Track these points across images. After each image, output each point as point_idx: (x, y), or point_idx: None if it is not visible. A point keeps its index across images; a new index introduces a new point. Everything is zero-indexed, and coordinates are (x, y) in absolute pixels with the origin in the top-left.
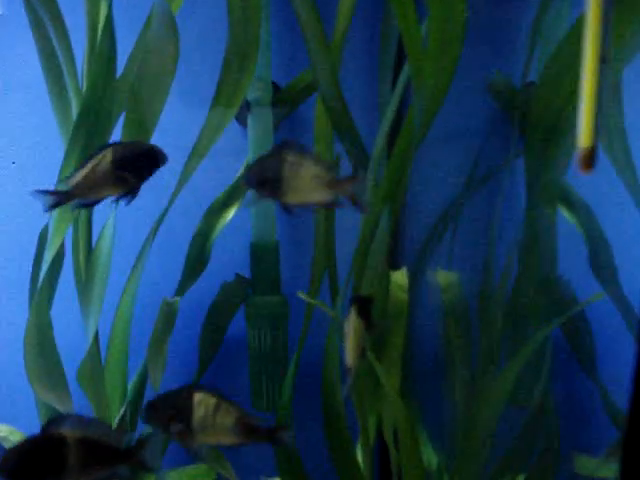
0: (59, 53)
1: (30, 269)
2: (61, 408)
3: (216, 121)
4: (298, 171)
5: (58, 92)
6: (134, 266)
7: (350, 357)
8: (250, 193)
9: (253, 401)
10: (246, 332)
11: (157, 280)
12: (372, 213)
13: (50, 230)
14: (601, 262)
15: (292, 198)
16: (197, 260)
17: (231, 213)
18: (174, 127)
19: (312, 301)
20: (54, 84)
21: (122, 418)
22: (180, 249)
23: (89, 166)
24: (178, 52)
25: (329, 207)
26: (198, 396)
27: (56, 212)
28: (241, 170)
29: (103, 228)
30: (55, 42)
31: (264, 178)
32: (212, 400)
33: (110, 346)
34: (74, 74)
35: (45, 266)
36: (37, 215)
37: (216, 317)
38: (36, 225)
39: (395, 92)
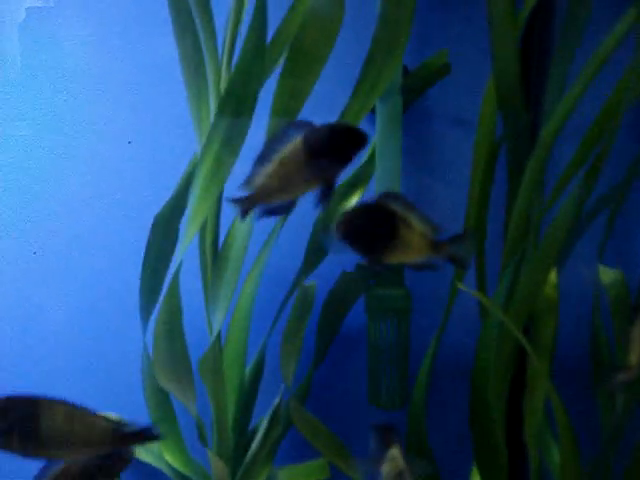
0: (198, 27)
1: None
2: (183, 400)
3: (358, 105)
4: (403, 229)
5: (194, 73)
6: (258, 255)
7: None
8: (336, 242)
9: (369, 397)
10: (366, 325)
11: (277, 268)
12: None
13: (188, 216)
14: None
15: (388, 257)
16: (318, 247)
17: (355, 198)
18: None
19: (479, 295)
20: (189, 64)
21: (238, 406)
22: (302, 236)
23: (276, 161)
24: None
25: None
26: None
27: (198, 190)
28: (368, 153)
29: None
30: (195, 14)
31: (362, 230)
32: (62, 408)
33: (229, 337)
34: (214, 52)
35: (181, 250)
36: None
37: (334, 307)
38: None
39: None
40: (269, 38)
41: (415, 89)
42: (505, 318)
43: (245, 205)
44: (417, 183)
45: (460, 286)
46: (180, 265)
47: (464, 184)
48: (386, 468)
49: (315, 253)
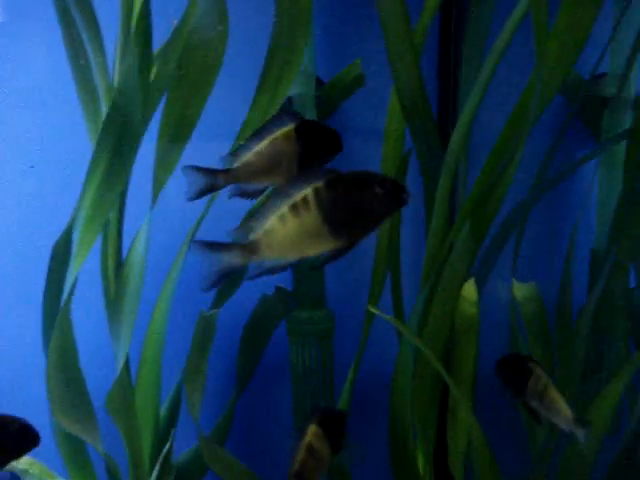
0: (88, 46)
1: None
2: (88, 439)
3: (257, 119)
4: None
5: (86, 89)
6: (167, 279)
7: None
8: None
9: (295, 423)
10: (288, 349)
11: (191, 294)
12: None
13: (76, 240)
14: None
15: None
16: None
17: None
18: (212, 124)
19: (379, 313)
20: (82, 81)
21: (154, 445)
22: None
23: (265, 141)
24: (227, 36)
25: None
26: None
27: (83, 219)
28: None
29: (135, 238)
30: (84, 34)
31: None
32: None
33: (141, 368)
34: (104, 69)
35: (70, 280)
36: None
37: (255, 333)
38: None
39: (478, 82)
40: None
41: (330, 102)
42: (419, 342)
43: (218, 181)
44: None
45: (372, 309)
46: (69, 298)
47: None
48: None
49: (231, 279)
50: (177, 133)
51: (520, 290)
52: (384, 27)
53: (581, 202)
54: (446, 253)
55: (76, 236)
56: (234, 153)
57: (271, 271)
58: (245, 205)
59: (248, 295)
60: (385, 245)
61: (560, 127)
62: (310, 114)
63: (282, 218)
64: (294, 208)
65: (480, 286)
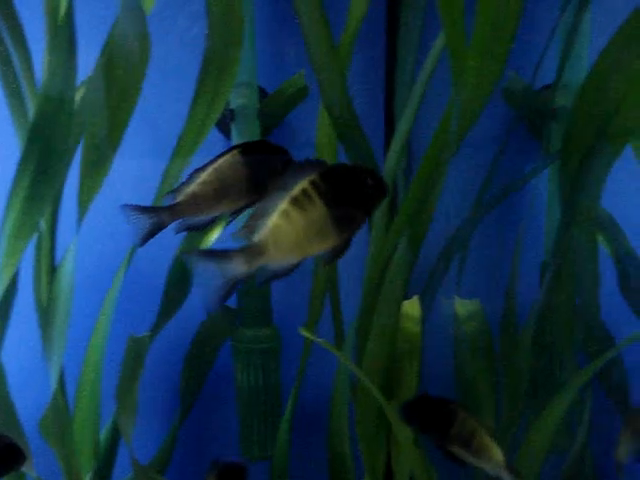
0: (15, 57)
1: None
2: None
3: (193, 133)
4: None
5: (15, 100)
6: (105, 300)
7: None
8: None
9: (243, 448)
10: (234, 370)
11: (132, 315)
12: (388, 239)
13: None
14: (635, 291)
15: None
16: (177, 289)
17: (214, 235)
18: (146, 139)
19: (313, 337)
20: (9, 90)
21: (95, 472)
22: (157, 278)
23: (209, 170)
24: (148, 55)
25: None
26: None
27: (6, 238)
28: None
29: (65, 254)
30: (10, 45)
31: None
32: None
33: (79, 392)
34: (31, 80)
35: None
36: None
37: (199, 353)
38: None
39: (412, 99)
40: None
41: (273, 115)
42: (355, 368)
43: (168, 216)
44: None
45: (304, 332)
46: None
47: None
48: None
49: (173, 297)
50: (100, 150)
51: (462, 307)
52: (305, 39)
53: (531, 215)
54: (384, 270)
55: (2, 247)
56: (176, 189)
57: (278, 275)
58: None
59: (192, 313)
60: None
61: (505, 140)
62: (253, 126)
63: (286, 214)
64: (297, 202)
65: (429, 303)
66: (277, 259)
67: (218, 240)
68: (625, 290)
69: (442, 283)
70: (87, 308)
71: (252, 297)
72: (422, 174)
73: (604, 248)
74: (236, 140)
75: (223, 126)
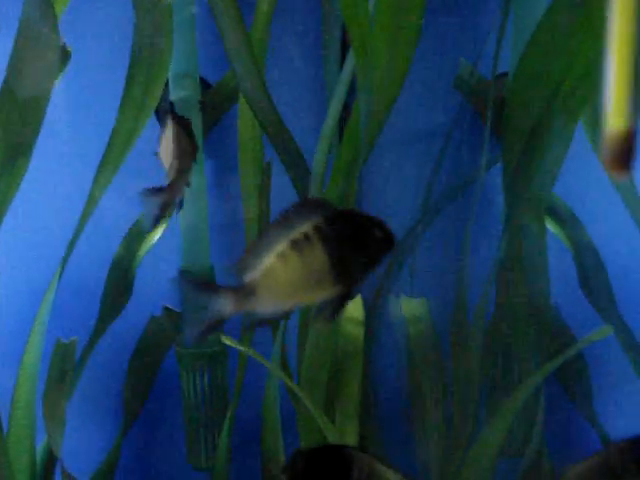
0: None
1: None
2: None
3: (125, 129)
4: None
5: None
6: (40, 307)
7: None
8: None
9: (189, 458)
10: (179, 376)
11: (70, 321)
12: None
13: None
14: (594, 284)
15: None
16: (117, 293)
17: (156, 235)
18: (74, 137)
19: (238, 346)
20: None
21: None
22: (96, 281)
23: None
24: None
25: None
26: None
27: None
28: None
29: None
30: None
31: None
32: None
33: (13, 407)
34: None
35: None
36: None
37: (143, 359)
38: None
39: (338, 87)
40: None
41: (216, 108)
42: (285, 377)
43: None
44: (224, 205)
45: (225, 340)
46: None
47: None
48: None
49: (113, 300)
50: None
51: (409, 306)
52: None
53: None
54: None
55: None
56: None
57: (264, 321)
58: (126, 217)
59: (135, 319)
60: None
61: (450, 132)
62: (194, 120)
63: (283, 256)
64: (296, 245)
65: (377, 306)
66: (268, 304)
67: (161, 238)
68: (585, 286)
69: (395, 283)
70: (23, 320)
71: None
72: (337, 174)
73: (563, 242)
74: None
75: (164, 120)
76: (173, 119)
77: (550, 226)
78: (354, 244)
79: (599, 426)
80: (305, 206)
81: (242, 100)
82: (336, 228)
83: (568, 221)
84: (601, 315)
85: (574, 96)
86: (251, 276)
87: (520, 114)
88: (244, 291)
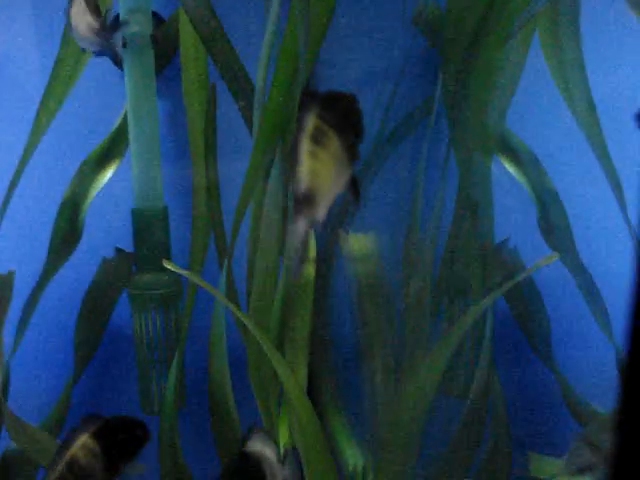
0: None
1: None
2: None
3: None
4: None
5: None
6: None
7: None
8: None
9: (142, 403)
10: (132, 320)
11: (17, 264)
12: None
13: None
14: (553, 224)
15: None
16: (67, 234)
17: (107, 174)
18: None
19: (192, 276)
20: None
21: None
22: (45, 221)
23: None
24: None
25: None
26: None
27: None
28: (118, 120)
29: None
30: None
31: None
32: None
33: None
34: None
35: None
36: None
37: (95, 302)
38: None
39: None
40: None
41: (168, 42)
42: (234, 308)
43: None
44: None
45: (167, 264)
46: None
47: None
48: None
49: (62, 242)
50: None
51: (357, 243)
52: None
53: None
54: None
55: None
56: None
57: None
58: (75, 154)
59: (87, 259)
60: (202, 193)
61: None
62: (147, 55)
63: (313, 154)
64: (316, 140)
65: (331, 243)
66: (325, 204)
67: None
68: (547, 233)
69: (345, 219)
70: None
71: (149, 239)
72: (275, 93)
73: (524, 186)
74: (128, 69)
75: (114, 55)
76: None
77: (511, 168)
78: (346, 122)
79: (556, 370)
80: (303, 99)
81: (184, 18)
82: (334, 112)
83: (529, 164)
84: (562, 261)
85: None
86: (302, 184)
87: (457, 29)
88: (306, 201)
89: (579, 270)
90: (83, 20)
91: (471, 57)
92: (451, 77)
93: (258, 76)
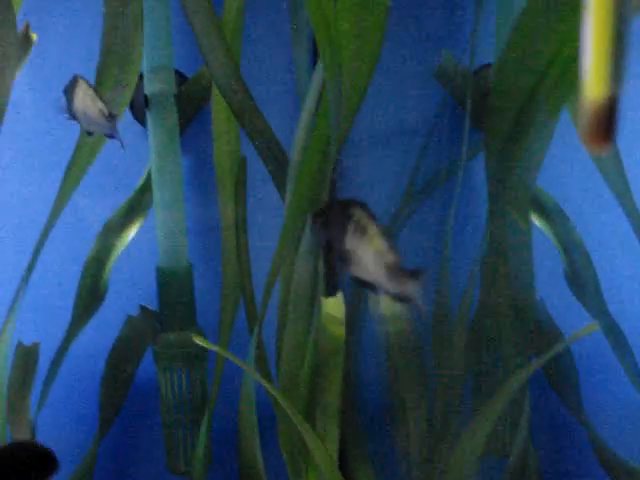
0: None
1: None
2: None
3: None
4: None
5: None
6: (9, 311)
7: None
8: None
9: (168, 462)
10: (157, 378)
11: (42, 324)
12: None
13: None
14: (581, 279)
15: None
16: (92, 292)
17: (132, 232)
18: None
19: (221, 351)
20: None
21: None
22: (70, 281)
23: None
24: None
25: None
26: None
27: None
28: (142, 179)
29: None
30: None
31: None
32: None
33: None
34: None
35: None
36: None
37: (119, 362)
38: None
39: (315, 76)
40: None
41: (192, 101)
42: (262, 380)
43: None
44: (203, 207)
45: (197, 340)
46: None
47: None
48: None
49: (87, 300)
50: None
51: (387, 304)
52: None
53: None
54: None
55: None
56: None
57: None
58: (100, 213)
59: (111, 320)
60: (232, 256)
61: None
62: (170, 113)
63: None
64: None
65: (360, 304)
66: None
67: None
68: (574, 285)
69: None
70: None
71: (174, 297)
72: (306, 169)
73: (550, 238)
74: (152, 128)
75: (138, 113)
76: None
77: (536, 220)
78: None
79: (588, 424)
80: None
81: (215, 91)
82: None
83: (555, 216)
84: (589, 312)
85: (561, 84)
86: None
87: (504, 102)
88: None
89: (609, 325)
90: (94, 106)
91: (519, 133)
92: (495, 144)
93: (297, 146)
